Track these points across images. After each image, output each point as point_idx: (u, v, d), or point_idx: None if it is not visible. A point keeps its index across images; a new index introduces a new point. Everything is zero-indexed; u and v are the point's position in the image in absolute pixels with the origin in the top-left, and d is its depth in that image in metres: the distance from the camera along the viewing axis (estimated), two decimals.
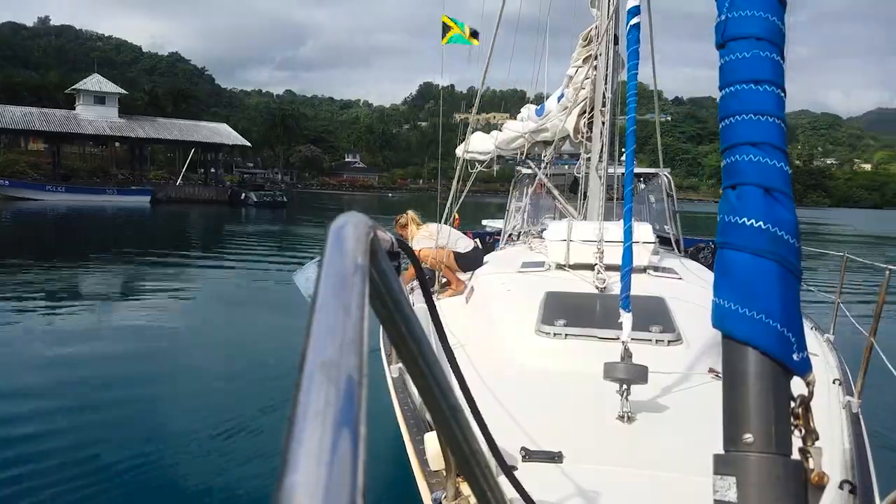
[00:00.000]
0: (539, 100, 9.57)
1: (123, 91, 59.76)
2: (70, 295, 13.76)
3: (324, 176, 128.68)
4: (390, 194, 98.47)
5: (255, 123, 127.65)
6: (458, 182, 7.20)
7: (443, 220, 7.16)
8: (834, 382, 3.81)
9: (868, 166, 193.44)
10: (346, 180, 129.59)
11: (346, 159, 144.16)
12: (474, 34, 10.66)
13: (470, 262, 6.95)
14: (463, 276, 6.71)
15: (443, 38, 10.86)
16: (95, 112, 55.44)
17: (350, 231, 0.62)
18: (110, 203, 46.31)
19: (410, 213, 7.71)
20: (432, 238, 6.92)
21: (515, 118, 9.89)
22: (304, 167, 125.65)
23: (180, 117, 71.17)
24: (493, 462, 1.46)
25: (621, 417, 3.08)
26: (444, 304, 5.80)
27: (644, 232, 5.54)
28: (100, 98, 56.41)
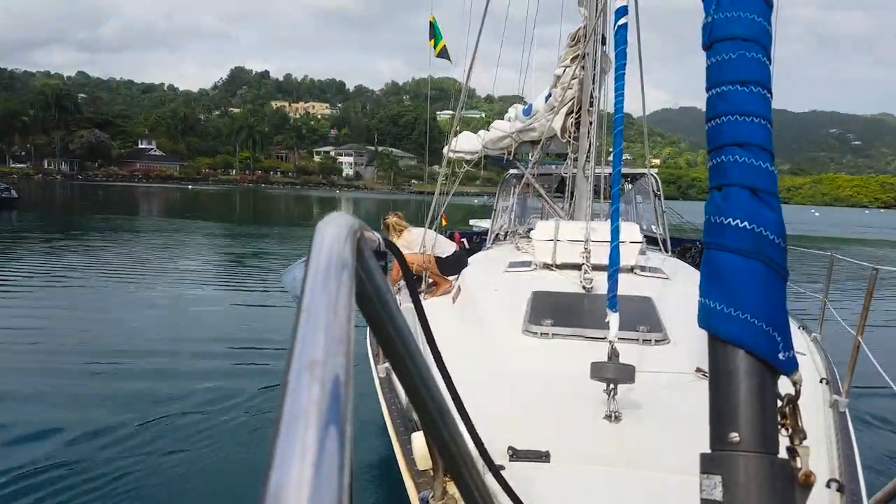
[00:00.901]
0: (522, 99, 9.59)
1: None
2: None
3: (112, 165, 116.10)
4: (190, 186, 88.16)
5: (34, 107, 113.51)
6: (446, 182, 7.20)
7: (429, 220, 7.11)
8: (821, 381, 3.83)
9: (657, 161, 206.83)
10: (140, 170, 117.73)
11: (141, 146, 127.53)
12: (444, 54, 10.98)
13: (452, 266, 6.96)
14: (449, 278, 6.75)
15: (430, 38, 10.93)
16: None
17: (336, 230, 0.62)
18: None
19: (393, 217, 7.59)
20: (410, 248, 6.91)
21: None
22: (89, 155, 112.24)
23: None
24: (480, 462, 1.46)
25: (608, 417, 3.09)
26: (431, 303, 5.80)
27: (631, 232, 5.57)
28: None
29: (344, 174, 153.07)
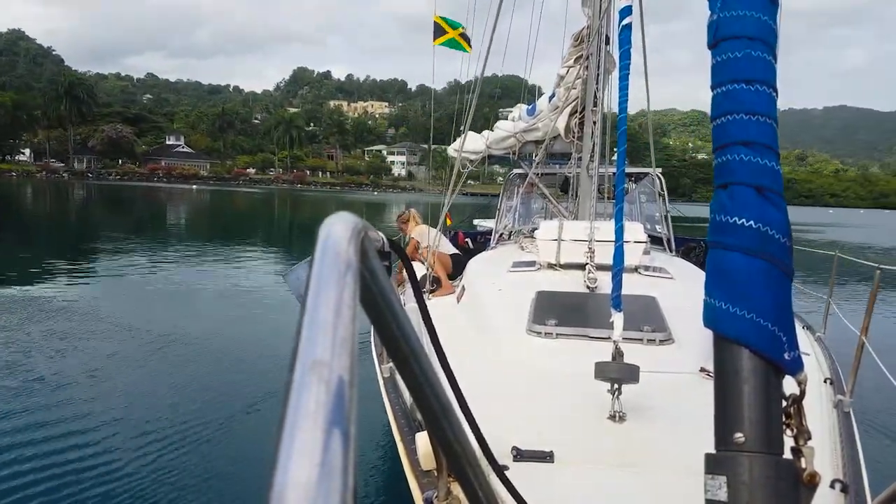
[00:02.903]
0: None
1: None
2: None
3: (135, 163, 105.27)
4: (195, 187, 79.91)
5: (44, 97, 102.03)
6: (453, 182, 7.20)
7: (440, 220, 7.30)
8: (825, 381, 3.82)
9: None
10: (162, 168, 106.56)
11: (168, 142, 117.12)
12: (465, 37, 10.64)
13: (454, 268, 7.26)
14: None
15: (434, 38, 10.88)
16: None
17: (340, 230, 0.62)
18: None
19: (413, 210, 8.33)
20: (422, 237, 7.56)
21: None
22: (110, 152, 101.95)
23: None
24: (484, 462, 1.46)
25: (612, 417, 3.08)
26: (435, 303, 5.80)
27: (635, 231, 5.56)
28: None
29: (396, 174, 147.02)
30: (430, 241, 6.98)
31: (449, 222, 9.29)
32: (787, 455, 0.95)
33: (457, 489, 2.10)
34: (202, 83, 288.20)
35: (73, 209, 46.31)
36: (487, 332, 4.51)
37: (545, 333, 4.17)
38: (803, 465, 0.94)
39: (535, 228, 6.55)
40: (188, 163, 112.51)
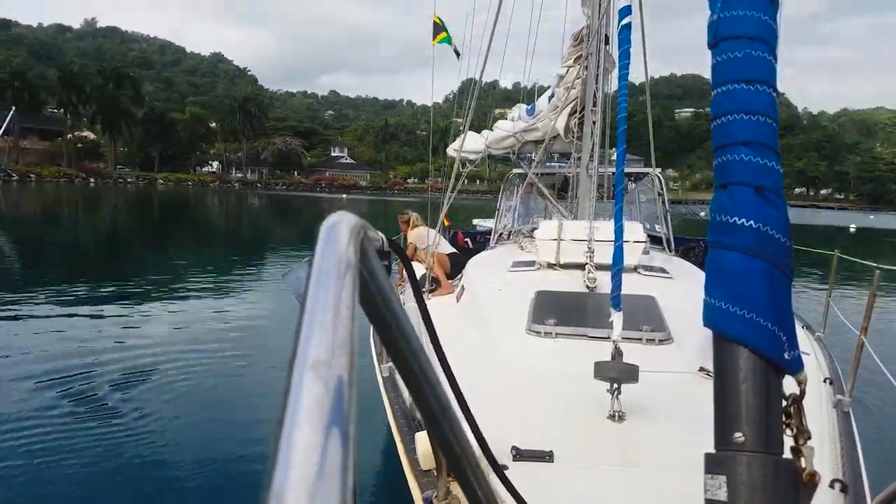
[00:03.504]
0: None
1: None
2: None
3: (301, 174, 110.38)
4: (344, 196, 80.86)
5: (220, 112, 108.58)
6: (452, 182, 7.20)
7: (438, 220, 7.34)
8: (825, 381, 3.83)
9: None
10: (325, 178, 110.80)
11: (333, 154, 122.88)
12: (455, 50, 11.31)
13: (452, 268, 7.40)
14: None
15: (434, 37, 11.02)
16: None
17: (340, 230, 0.62)
18: None
19: (412, 213, 8.57)
20: (419, 239, 7.81)
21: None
22: (280, 164, 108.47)
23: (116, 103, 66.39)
24: (483, 461, 1.46)
25: (612, 417, 3.08)
26: (434, 303, 5.80)
27: (634, 231, 5.56)
28: None
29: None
30: (430, 240, 7.00)
31: (447, 223, 9.30)
32: (787, 455, 0.95)
33: (456, 489, 2.10)
34: (378, 98, 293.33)
35: (234, 214, 51.60)
36: (487, 331, 4.51)
37: (545, 333, 4.17)
38: (803, 465, 0.94)
39: (535, 228, 6.55)
40: (350, 173, 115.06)
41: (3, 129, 74.97)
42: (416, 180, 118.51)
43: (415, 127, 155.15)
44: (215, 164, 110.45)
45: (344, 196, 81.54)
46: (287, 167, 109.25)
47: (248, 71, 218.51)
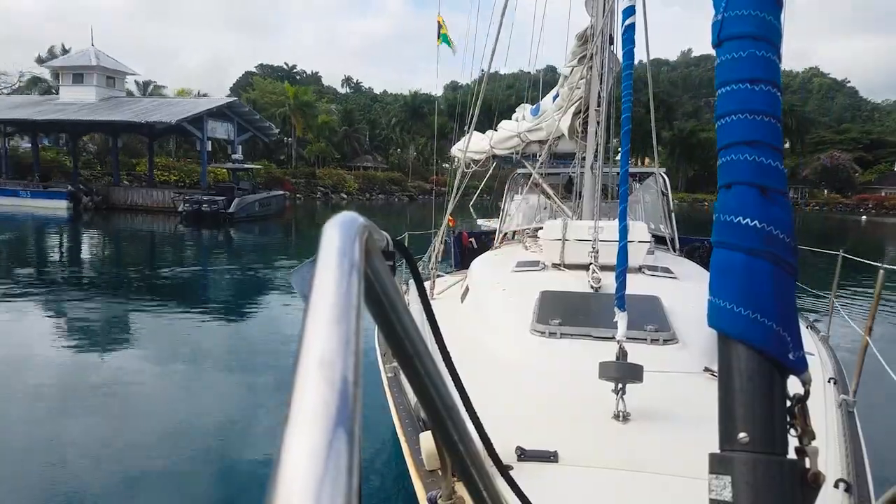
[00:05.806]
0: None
1: (130, 70, 46.05)
2: None
3: (848, 192, 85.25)
4: (864, 218, 62.55)
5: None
6: (458, 182, 7.20)
7: (444, 218, 7.33)
8: (829, 381, 3.82)
9: None
10: (874, 198, 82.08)
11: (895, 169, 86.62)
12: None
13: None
14: (457, 276, 6.83)
15: (438, 37, 11.10)
16: (73, 94, 42.77)
17: (344, 230, 0.62)
18: (20, 208, 36.09)
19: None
20: None
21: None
22: (821, 181, 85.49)
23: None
24: (488, 462, 1.46)
25: (617, 417, 3.08)
26: (439, 303, 5.80)
27: (639, 231, 5.55)
28: (78, 76, 42.93)
29: None
30: (436, 239, 6.99)
31: (452, 224, 9.30)
32: (792, 455, 0.95)
33: (461, 489, 2.09)
34: None
35: None
36: (491, 331, 4.51)
37: (549, 333, 4.17)
38: (807, 465, 0.94)
39: (539, 228, 6.55)
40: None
41: None
42: None
43: None
44: None
45: (864, 218, 64.56)
46: (834, 185, 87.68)
47: (848, 82, 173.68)
